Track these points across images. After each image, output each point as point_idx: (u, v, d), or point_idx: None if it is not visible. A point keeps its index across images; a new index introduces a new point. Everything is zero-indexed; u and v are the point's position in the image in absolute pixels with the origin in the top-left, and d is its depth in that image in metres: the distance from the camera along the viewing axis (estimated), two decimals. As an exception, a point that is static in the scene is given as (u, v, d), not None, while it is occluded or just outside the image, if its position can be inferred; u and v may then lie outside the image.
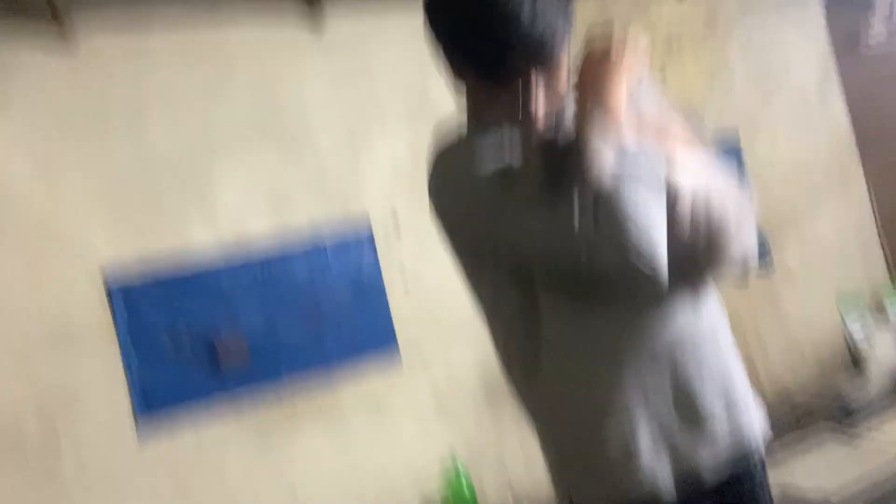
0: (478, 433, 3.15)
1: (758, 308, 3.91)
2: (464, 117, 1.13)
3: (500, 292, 1.10)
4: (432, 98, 3.25)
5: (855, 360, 3.98)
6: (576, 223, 0.91)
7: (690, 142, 1.09)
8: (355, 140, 3.24)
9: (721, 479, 1.06)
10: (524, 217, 0.98)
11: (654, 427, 1.03)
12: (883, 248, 4.29)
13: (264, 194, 3.01)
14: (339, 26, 3.22)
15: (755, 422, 1.13)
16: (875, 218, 4.30)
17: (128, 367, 2.62)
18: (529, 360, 1.08)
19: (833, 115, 4.31)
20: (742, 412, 1.10)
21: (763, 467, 1.13)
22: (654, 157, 0.97)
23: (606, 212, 0.91)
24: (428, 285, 3.18)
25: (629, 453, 1.03)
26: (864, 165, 4.29)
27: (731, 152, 3.89)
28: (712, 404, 1.06)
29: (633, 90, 1.06)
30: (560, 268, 0.98)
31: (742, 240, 1.05)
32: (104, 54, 2.81)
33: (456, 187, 1.06)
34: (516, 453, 3.15)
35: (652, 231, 0.92)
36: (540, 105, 1.01)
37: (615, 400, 1.03)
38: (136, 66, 2.86)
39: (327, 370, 2.93)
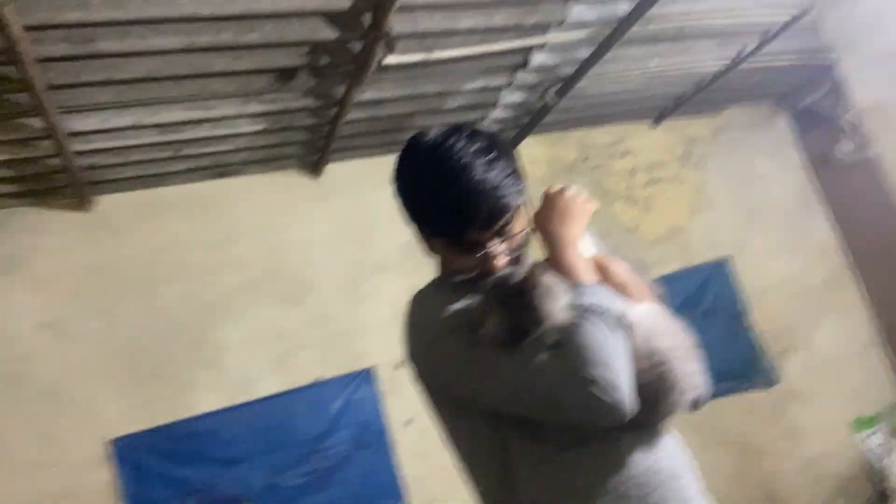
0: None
1: (768, 430, 3.85)
2: (437, 272, 1.23)
3: (474, 438, 1.13)
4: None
5: (875, 478, 3.86)
6: (537, 361, 0.97)
7: (636, 285, 1.17)
8: (356, 286, 3.38)
9: None
10: (488, 362, 1.03)
11: None
12: (891, 360, 4.27)
13: (270, 354, 3.11)
14: (336, 170, 3.45)
15: None
16: (879, 330, 4.31)
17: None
18: (507, 503, 1.10)
19: (818, 230, 4.44)
20: None
21: None
22: (609, 295, 1.07)
23: (567, 346, 0.97)
24: (430, 424, 3.17)
25: None
26: (862, 277, 4.35)
27: (721, 276, 4.00)
28: None
29: (581, 236, 1.17)
30: (526, 409, 1.02)
31: (692, 371, 1.11)
32: (118, 208, 3.04)
33: (425, 336, 1.13)
34: None
35: (614, 362, 0.97)
36: (499, 260, 1.11)
37: None
38: (146, 218, 3.08)
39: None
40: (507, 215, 1.11)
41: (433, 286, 1.23)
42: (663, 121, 4.21)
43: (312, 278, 3.31)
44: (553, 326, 1.00)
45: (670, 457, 1.13)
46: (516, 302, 1.02)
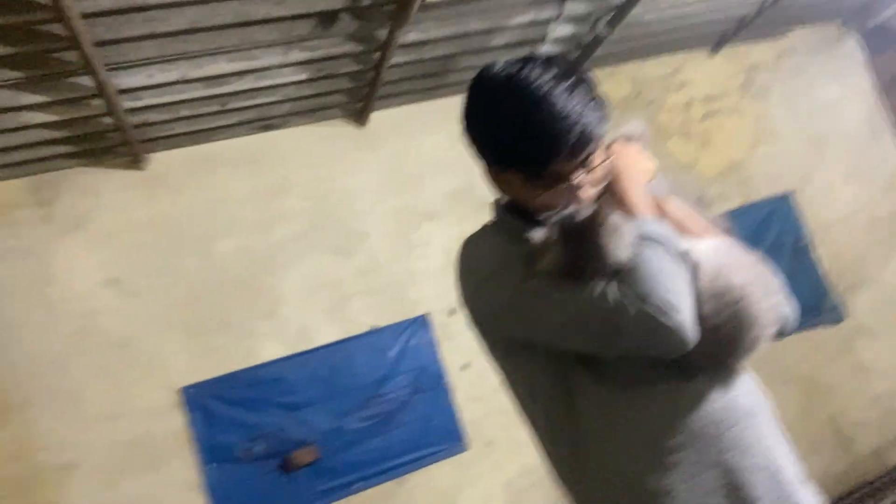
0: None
1: (836, 367, 3.73)
2: (495, 215, 1.17)
3: (534, 382, 1.10)
4: (477, 184, 3.35)
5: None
6: (596, 289, 0.95)
7: (706, 226, 1.12)
8: (407, 235, 3.36)
9: None
10: (544, 294, 1.00)
11: None
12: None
13: (325, 303, 3.14)
14: (382, 118, 3.40)
15: (813, 492, 1.08)
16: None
17: (205, 478, 2.72)
18: (572, 446, 1.08)
19: (888, 159, 4.19)
20: (793, 496, 1.06)
21: None
22: (671, 231, 1.03)
23: (626, 272, 0.95)
24: (486, 368, 3.19)
25: None
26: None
27: (784, 211, 3.83)
28: (759, 489, 1.03)
29: (650, 184, 1.12)
30: (584, 339, 0.99)
31: (773, 304, 1.05)
32: (171, 165, 3.08)
33: (480, 274, 1.09)
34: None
35: (674, 285, 0.94)
36: (584, 192, 1.05)
37: (662, 485, 1.02)
38: (198, 173, 3.11)
39: (393, 462, 2.95)
40: (593, 144, 1.04)
41: (487, 229, 1.18)
42: (723, 47, 3.98)
43: (362, 228, 3.32)
44: (616, 262, 0.96)
45: (747, 395, 1.08)
46: (580, 237, 0.98)
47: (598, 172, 1.08)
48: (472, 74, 1.12)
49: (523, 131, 1.02)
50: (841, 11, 4.12)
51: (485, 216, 1.18)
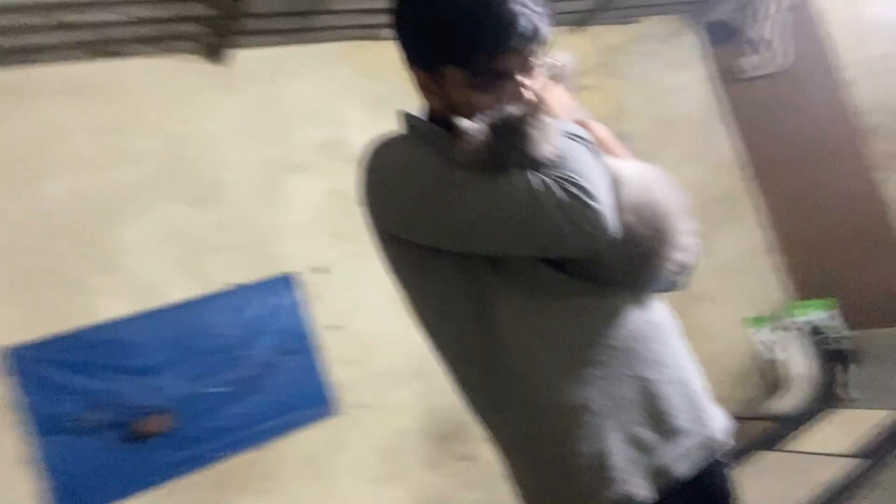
0: (427, 487, 3.00)
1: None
2: (412, 118, 1.12)
3: (448, 290, 1.04)
4: (350, 138, 3.19)
5: (767, 373, 4.18)
6: (514, 178, 0.92)
7: (628, 152, 1.13)
8: (272, 187, 3.10)
9: (690, 476, 1.05)
10: (458, 183, 0.96)
11: (622, 425, 1.01)
12: (783, 268, 4.60)
13: (177, 258, 2.79)
14: (246, 57, 3.10)
15: (717, 416, 1.13)
16: (774, 239, 4.60)
17: (39, 452, 2.30)
18: (486, 362, 1.03)
19: (717, 145, 4.62)
20: (704, 407, 1.10)
21: (728, 461, 1.13)
22: (594, 141, 1.04)
23: (555, 163, 0.94)
24: (362, 328, 3.04)
25: (600, 454, 1.00)
26: (763, 190, 4.60)
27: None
28: (674, 399, 1.06)
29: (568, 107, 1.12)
30: (500, 235, 0.95)
31: (686, 228, 1.07)
32: None
33: (397, 166, 1.04)
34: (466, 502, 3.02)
35: (595, 176, 0.94)
36: (526, 93, 1.01)
37: (580, 397, 1.00)
38: (21, 101, 2.61)
39: (259, 429, 2.70)
40: (538, 41, 1.02)
41: (398, 136, 1.12)
42: (584, 27, 4.15)
43: (222, 177, 3.00)
44: (542, 155, 0.94)
45: (663, 317, 1.12)
46: (509, 129, 0.95)
47: (537, 77, 1.05)
48: (348, 20, 1.08)
49: (472, 18, 0.97)
50: (684, 4, 4.47)
51: (355, 173, 1.11)
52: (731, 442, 1.13)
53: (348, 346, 2.99)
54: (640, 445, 1.02)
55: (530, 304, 1.02)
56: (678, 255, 1.05)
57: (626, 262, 1.01)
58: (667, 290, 1.11)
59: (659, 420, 1.04)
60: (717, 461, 1.10)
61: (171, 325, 2.63)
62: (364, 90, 3.28)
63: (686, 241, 1.06)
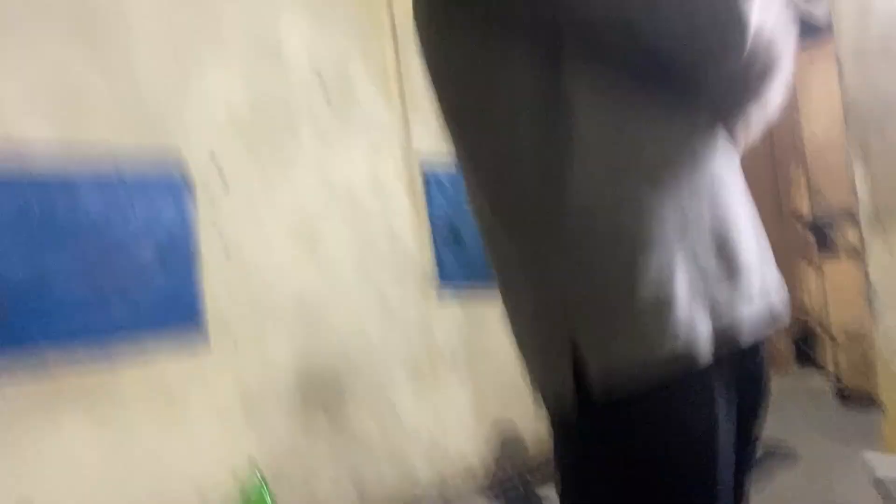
0: (285, 441, 2.65)
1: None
2: None
3: (517, 85, 0.85)
4: (281, 37, 2.74)
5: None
6: None
7: None
8: (182, 59, 2.56)
9: (752, 342, 0.95)
10: None
11: (693, 272, 0.88)
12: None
13: (48, 104, 2.19)
14: None
15: (780, 283, 1.05)
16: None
17: None
18: (550, 169, 0.86)
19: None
20: (771, 271, 1.02)
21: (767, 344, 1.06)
22: None
23: None
24: (251, 255, 2.62)
25: (664, 299, 0.85)
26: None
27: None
28: (750, 256, 0.96)
29: None
30: (605, 22, 0.79)
31: (790, 67, 1.01)
32: None
33: None
34: (325, 467, 2.72)
35: None
36: None
37: (653, 229, 0.86)
38: None
39: (109, 342, 2.19)
40: None
41: None
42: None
43: (121, 12, 2.41)
44: None
45: (739, 171, 1.03)
46: None
47: None
48: None
49: None
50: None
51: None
52: (788, 319, 1.04)
53: (231, 271, 2.56)
54: (709, 296, 0.89)
55: (614, 113, 0.86)
56: (778, 91, 0.99)
57: (733, 84, 0.91)
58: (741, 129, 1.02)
59: (731, 274, 0.92)
60: (762, 341, 1.01)
61: (25, 194, 2.04)
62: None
63: (789, 77, 0.99)
